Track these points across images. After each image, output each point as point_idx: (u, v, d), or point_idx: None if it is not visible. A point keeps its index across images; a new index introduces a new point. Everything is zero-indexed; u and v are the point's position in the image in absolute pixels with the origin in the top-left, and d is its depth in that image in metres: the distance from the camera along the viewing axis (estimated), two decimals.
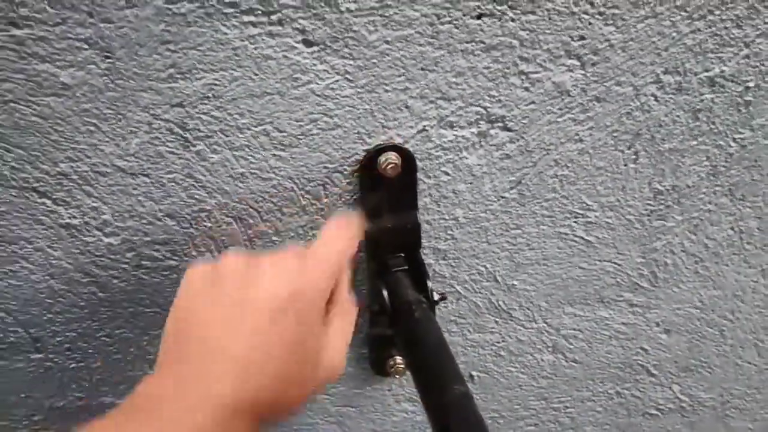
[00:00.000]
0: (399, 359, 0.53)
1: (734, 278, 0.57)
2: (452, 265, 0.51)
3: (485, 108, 0.43)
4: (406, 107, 0.42)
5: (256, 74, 0.39)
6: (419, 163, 0.44)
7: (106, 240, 0.44)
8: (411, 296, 0.44)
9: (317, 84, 0.40)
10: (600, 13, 0.41)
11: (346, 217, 0.41)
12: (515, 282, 0.53)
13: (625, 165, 0.48)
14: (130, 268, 0.46)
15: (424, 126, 0.43)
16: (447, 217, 0.48)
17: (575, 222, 0.50)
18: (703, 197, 0.51)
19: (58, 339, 0.49)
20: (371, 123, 0.42)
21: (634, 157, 0.48)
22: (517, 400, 0.62)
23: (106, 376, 0.52)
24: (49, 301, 0.47)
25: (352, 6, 0.38)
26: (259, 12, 0.37)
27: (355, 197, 0.45)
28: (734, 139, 0.48)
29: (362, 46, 0.39)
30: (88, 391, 0.52)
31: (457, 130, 0.44)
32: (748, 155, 0.49)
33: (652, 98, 0.45)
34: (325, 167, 0.44)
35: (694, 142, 0.48)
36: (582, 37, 0.41)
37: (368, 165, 0.43)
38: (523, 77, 0.42)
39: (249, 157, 0.42)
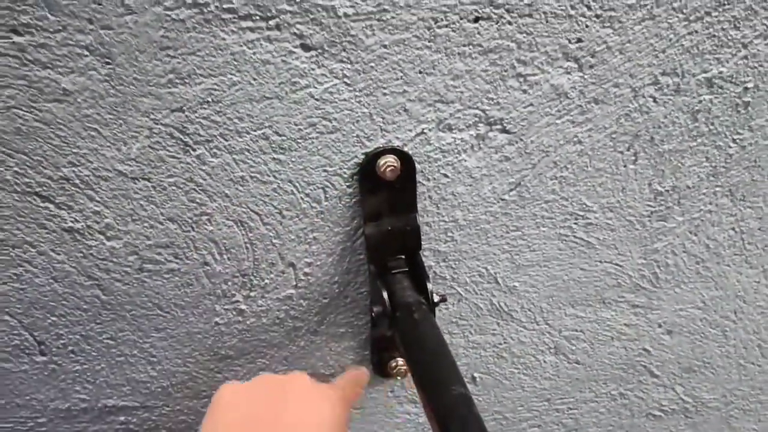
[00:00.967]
0: (401, 361, 0.53)
1: (736, 279, 0.57)
2: (453, 266, 0.51)
3: (483, 110, 0.43)
4: (405, 110, 0.42)
5: (255, 79, 0.39)
6: (418, 166, 0.45)
7: (109, 243, 0.45)
8: (411, 298, 0.44)
9: (316, 88, 0.40)
10: (597, 16, 0.41)
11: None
12: (516, 284, 0.53)
13: (625, 166, 0.48)
14: (132, 271, 0.46)
15: (423, 129, 0.43)
16: (447, 219, 0.48)
17: (575, 223, 0.50)
18: (703, 198, 0.51)
19: (62, 342, 0.49)
20: (370, 126, 0.43)
21: (633, 158, 0.48)
22: (520, 402, 0.62)
23: (109, 378, 0.52)
24: (52, 304, 0.47)
25: (350, 10, 0.38)
26: (257, 17, 0.37)
27: (355, 200, 0.46)
28: (734, 140, 0.48)
29: (360, 50, 0.39)
30: (92, 393, 0.53)
31: (455, 133, 0.44)
32: (747, 156, 0.49)
33: (651, 100, 0.45)
34: (325, 170, 0.44)
35: (694, 143, 0.48)
36: (579, 40, 0.42)
37: (367, 168, 0.43)
38: (521, 80, 0.43)
39: (249, 161, 0.43)
